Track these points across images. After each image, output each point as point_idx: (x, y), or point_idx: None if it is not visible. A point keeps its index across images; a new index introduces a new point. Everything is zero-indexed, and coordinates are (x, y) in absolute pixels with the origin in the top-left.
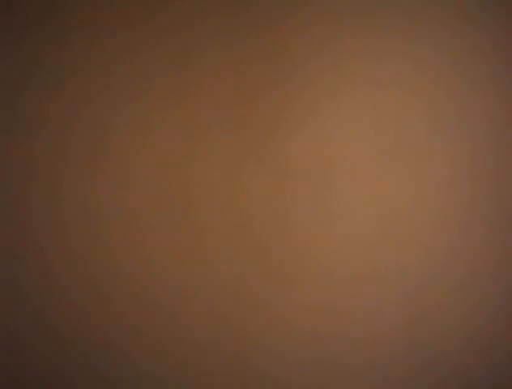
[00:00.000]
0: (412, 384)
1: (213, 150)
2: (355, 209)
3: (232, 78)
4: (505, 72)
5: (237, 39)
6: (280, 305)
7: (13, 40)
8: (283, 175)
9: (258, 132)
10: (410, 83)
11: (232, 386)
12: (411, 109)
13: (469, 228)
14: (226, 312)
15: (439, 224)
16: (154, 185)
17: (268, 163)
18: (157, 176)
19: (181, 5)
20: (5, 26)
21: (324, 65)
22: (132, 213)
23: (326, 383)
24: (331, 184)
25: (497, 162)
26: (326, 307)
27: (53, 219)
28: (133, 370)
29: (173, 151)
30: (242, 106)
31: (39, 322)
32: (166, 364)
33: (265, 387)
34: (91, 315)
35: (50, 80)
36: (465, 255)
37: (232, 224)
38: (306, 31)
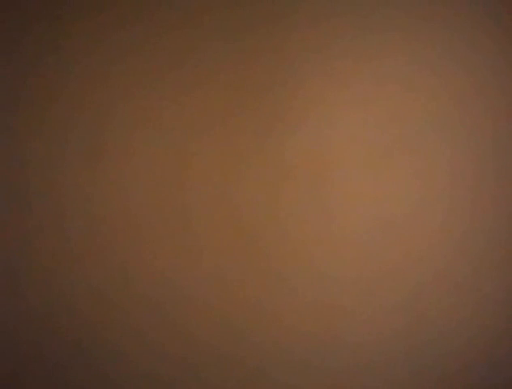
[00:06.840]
0: (412, 384)
1: (211, 149)
2: (353, 210)
3: (230, 78)
4: (506, 71)
5: (235, 40)
6: (279, 306)
7: (13, 41)
8: (281, 175)
9: (255, 132)
10: (410, 84)
11: (231, 386)
12: (411, 109)
13: (469, 228)
14: (225, 313)
15: (439, 224)
16: (152, 184)
17: (266, 163)
18: (155, 175)
19: (179, 5)
20: (5, 26)
21: (323, 65)
22: (130, 212)
23: (325, 384)
24: (329, 185)
25: (498, 162)
26: (325, 308)
27: (52, 218)
28: (133, 370)
29: (171, 151)
30: (240, 106)
31: (39, 322)
32: (165, 364)
33: (264, 387)
34: (91, 314)
35: (50, 80)
36: (465, 255)
37: (229, 223)
38: (305, 31)
